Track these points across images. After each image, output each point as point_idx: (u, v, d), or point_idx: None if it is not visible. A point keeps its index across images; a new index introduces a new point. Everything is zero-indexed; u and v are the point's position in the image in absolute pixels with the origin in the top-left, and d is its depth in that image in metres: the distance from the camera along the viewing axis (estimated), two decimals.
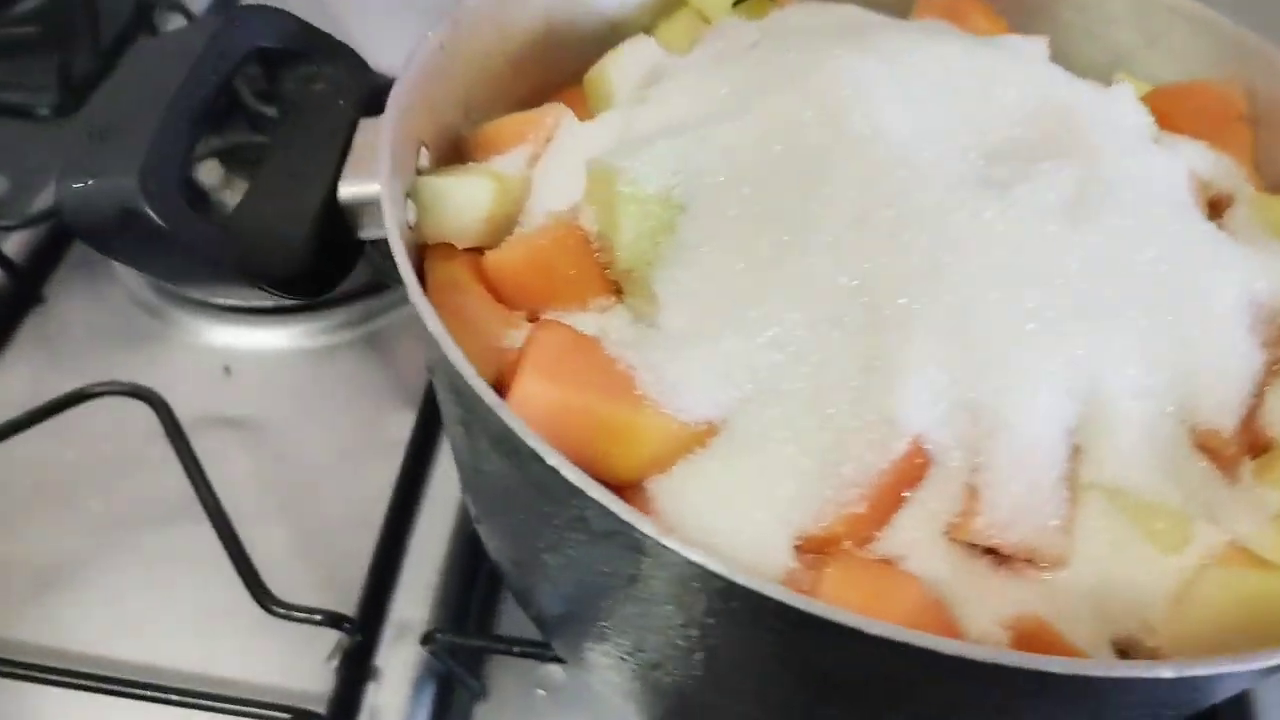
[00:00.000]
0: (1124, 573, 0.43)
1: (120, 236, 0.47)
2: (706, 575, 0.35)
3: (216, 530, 0.64)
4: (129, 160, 0.46)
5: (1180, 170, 0.52)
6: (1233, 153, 0.60)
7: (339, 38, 0.56)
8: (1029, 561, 0.43)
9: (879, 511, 0.43)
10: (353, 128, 0.52)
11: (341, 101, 0.54)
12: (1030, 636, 0.42)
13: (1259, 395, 0.47)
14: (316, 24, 0.56)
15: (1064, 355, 0.44)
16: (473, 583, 0.72)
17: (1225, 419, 0.46)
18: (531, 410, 0.41)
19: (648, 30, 0.67)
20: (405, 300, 0.43)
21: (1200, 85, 0.63)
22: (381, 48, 0.61)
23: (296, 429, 0.79)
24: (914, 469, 0.43)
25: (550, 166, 0.54)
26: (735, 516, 0.42)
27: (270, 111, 0.85)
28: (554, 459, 0.37)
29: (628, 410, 0.43)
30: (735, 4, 0.65)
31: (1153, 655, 0.42)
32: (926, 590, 0.40)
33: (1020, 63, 0.53)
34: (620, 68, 0.60)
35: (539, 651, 0.64)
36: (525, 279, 0.51)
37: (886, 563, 0.43)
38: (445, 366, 0.41)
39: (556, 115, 0.56)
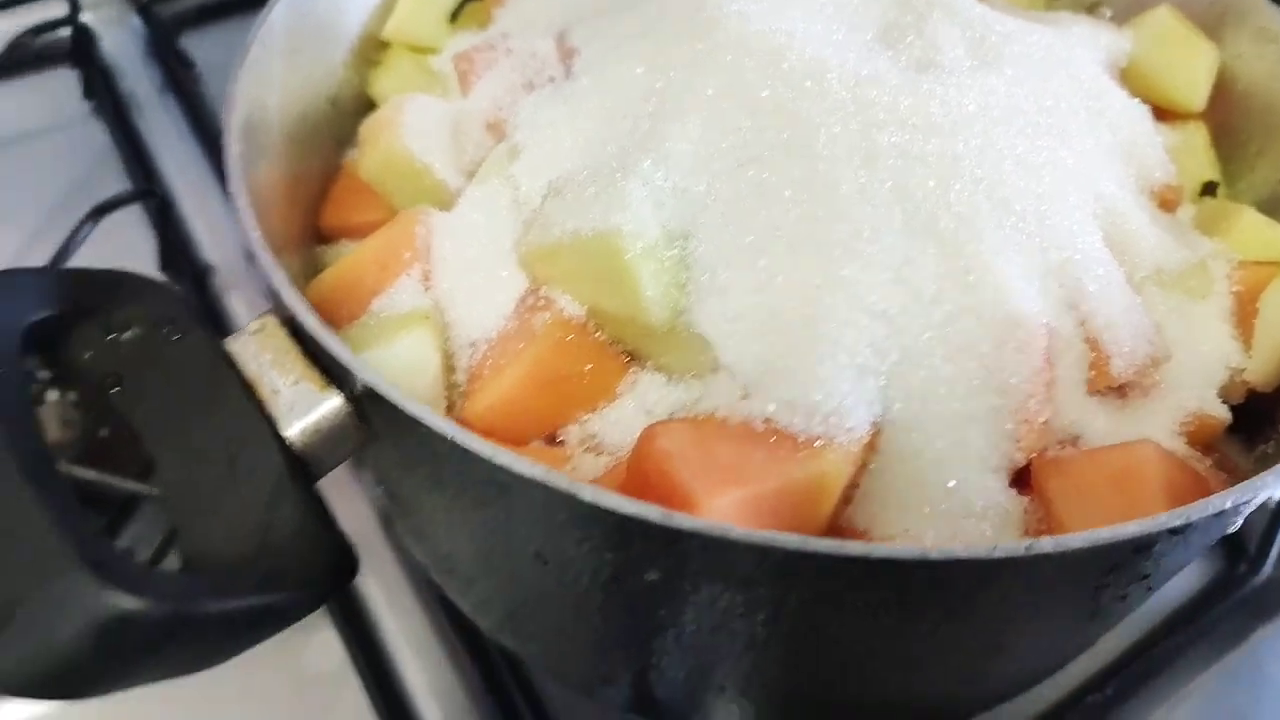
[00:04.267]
0: (1200, 338, 0.47)
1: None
2: None
3: None
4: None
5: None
6: None
7: None
8: (1147, 373, 0.45)
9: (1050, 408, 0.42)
10: (223, 358, 0.38)
11: (177, 337, 0.39)
12: (1202, 431, 0.44)
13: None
14: None
15: (1077, 183, 0.45)
16: None
17: (1167, 173, 0.50)
18: (734, 518, 0.35)
19: (365, 88, 0.56)
20: None
21: None
22: None
23: None
24: (1049, 354, 0.42)
25: (454, 284, 0.44)
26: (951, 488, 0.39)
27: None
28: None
29: (811, 464, 0.37)
30: (453, 20, 0.56)
31: (1250, 390, 0.46)
32: (1162, 453, 0.40)
33: None
34: (414, 137, 0.49)
35: None
36: (532, 404, 0.42)
37: (1061, 443, 0.42)
38: None
39: (419, 220, 0.45)
